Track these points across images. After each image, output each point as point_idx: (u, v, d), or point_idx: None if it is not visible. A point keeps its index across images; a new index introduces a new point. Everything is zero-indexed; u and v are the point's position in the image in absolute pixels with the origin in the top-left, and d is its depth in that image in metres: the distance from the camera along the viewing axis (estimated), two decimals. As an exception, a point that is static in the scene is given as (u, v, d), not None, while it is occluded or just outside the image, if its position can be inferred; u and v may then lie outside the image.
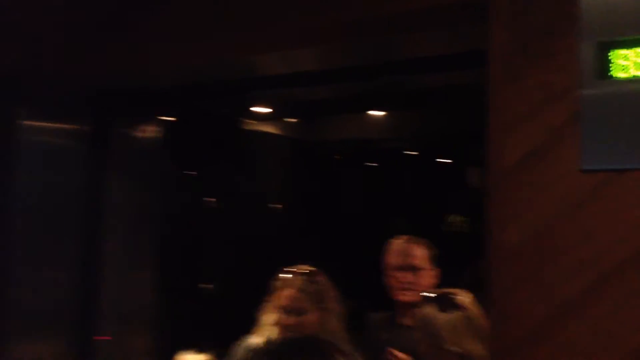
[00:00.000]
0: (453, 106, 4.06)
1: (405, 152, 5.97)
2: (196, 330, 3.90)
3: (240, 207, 4.65)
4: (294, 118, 5.07)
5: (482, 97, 1.76)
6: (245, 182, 4.73)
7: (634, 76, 1.56)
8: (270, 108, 4.48)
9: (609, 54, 1.57)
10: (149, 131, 3.30)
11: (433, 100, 3.85)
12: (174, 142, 3.64)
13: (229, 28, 2.32)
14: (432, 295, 1.96)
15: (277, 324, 2.24)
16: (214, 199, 4.49)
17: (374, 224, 5.74)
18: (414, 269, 2.58)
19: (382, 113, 4.85)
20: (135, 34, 2.50)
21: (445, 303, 1.90)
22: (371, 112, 4.80)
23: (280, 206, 5.05)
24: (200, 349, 2.24)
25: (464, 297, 1.91)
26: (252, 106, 4.42)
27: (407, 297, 2.55)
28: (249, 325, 2.44)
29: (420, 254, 2.62)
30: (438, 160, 6.06)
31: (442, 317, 1.86)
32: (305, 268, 2.30)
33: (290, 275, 2.27)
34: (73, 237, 2.93)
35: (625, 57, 1.58)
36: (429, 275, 2.60)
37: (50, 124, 2.88)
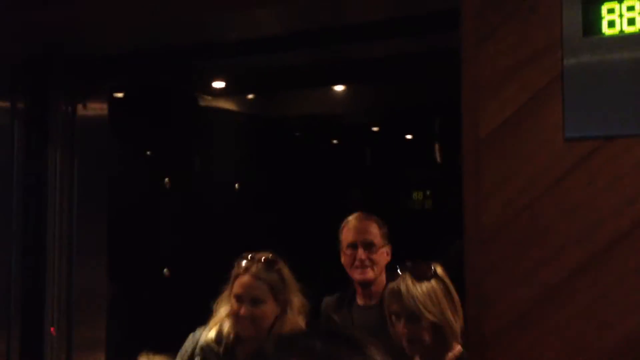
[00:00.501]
0: (417, 76, 3.90)
1: (368, 127, 5.82)
2: (150, 319, 3.71)
3: (195, 188, 4.44)
4: (252, 93, 4.87)
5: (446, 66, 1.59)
6: (200, 161, 4.52)
7: (623, 32, 1.41)
8: (226, 82, 4.26)
9: (598, 7, 1.41)
10: (94, 108, 3.05)
11: (396, 70, 3.67)
12: (123, 120, 3.41)
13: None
14: (407, 265, 1.86)
15: (229, 314, 2.04)
16: (167, 179, 4.27)
17: (334, 202, 5.60)
18: (370, 245, 2.52)
19: (341, 87, 4.67)
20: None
21: (419, 273, 1.81)
22: (332, 86, 4.61)
23: (237, 185, 4.86)
24: (155, 347, 2.02)
25: (436, 267, 1.82)
26: (207, 80, 4.19)
27: (364, 275, 2.49)
28: (204, 314, 2.24)
29: (375, 230, 2.56)
30: (401, 135, 5.93)
31: (418, 287, 1.77)
32: (264, 255, 2.08)
33: (246, 262, 2.06)
34: (13, 223, 2.69)
35: (612, 11, 1.43)
36: (384, 252, 2.54)
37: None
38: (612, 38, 1.43)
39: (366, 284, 2.49)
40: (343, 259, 2.58)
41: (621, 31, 1.42)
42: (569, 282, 1.41)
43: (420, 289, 1.79)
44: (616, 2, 1.43)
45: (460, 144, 1.57)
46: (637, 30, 1.41)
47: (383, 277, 2.44)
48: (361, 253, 2.50)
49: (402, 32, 2.12)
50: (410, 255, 2.46)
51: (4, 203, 2.70)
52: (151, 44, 2.71)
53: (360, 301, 2.53)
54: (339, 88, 4.69)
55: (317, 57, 3.11)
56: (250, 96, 4.94)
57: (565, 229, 1.42)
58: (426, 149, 5.71)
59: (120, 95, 3.75)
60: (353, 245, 2.53)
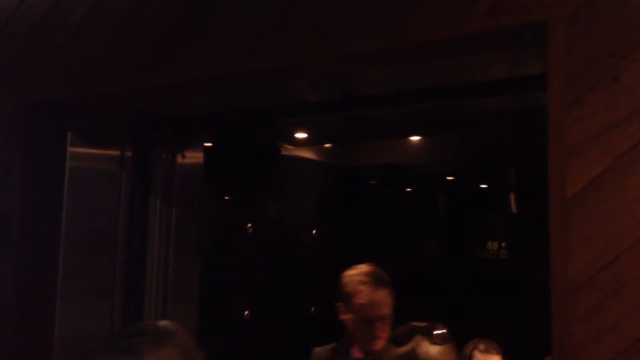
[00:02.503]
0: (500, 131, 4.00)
1: (444, 176, 5.90)
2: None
3: (275, 233, 4.61)
4: (330, 143, 5.04)
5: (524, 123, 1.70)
6: (281, 208, 4.70)
7: None
8: (307, 133, 4.45)
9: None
10: (190, 157, 3.30)
11: (476, 125, 3.79)
12: (214, 168, 3.63)
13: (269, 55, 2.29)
14: (421, 327, 1.87)
15: None
16: (250, 225, 4.46)
17: (410, 250, 5.67)
18: (388, 318, 2.33)
19: (418, 138, 4.79)
20: (178, 62, 2.48)
21: (438, 338, 1.82)
22: (410, 137, 4.75)
23: (315, 232, 5.00)
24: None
25: (446, 329, 1.83)
26: (290, 131, 4.40)
27: (376, 346, 2.29)
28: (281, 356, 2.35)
29: (390, 301, 2.35)
30: (477, 185, 5.98)
31: (434, 350, 1.79)
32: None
33: None
34: (116, 265, 2.93)
35: (695, 82, 1.52)
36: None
37: (95, 150, 2.90)
38: (695, 106, 1.51)
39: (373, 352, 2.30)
40: (354, 328, 2.38)
41: None
42: (655, 337, 1.47)
43: (436, 351, 1.79)
44: (698, 72, 1.52)
45: (545, 200, 1.66)
46: None
47: None
48: (379, 327, 2.29)
49: (491, 92, 2.26)
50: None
51: (110, 243, 2.95)
52: (241, 104, 2.95)
53: (357, 354, 2.40)
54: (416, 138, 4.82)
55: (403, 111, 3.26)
56: (328, 145, 5.12)
57: (650, 286, 1.49)
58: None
59: (212, 145, 4.01)
60: (370, 319, 2.32)
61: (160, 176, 3.12)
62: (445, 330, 1.83)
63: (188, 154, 3.30)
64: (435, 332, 1.84)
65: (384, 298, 2.33)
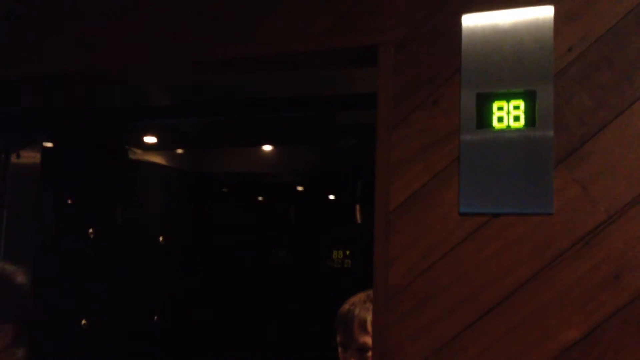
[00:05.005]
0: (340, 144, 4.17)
1: (293, 186, 6.04)
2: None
3: (120, 239, 4.49)
4: (181, 148, 5.00)
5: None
6: (127, 212, 4.58)
7: (509, 126, 1.68)
8: (156, 137, 4.39)
9: (489, 105, 1.69)
10: (26, 157, 3.13)
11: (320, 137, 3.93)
12: (53, 169, 3.47)
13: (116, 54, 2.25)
14: None
15: None
16: (90, 230, 4.30)
17: (258, 257, 5.73)
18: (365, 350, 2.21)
19: (270, 147, 4.88)
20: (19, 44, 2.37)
21: None
22: (261, 147, 4.82)
23: (162, 238, 4.93)
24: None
25: None
26: (138, 135, 4.31)
27: None
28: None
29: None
30: (324, 195, 6.17)
31: None
32: None
33: None
34: None
35: (502, 109, 1.71)
36: None
37: None
38: (500, 130, 1.70)
39: None
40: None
41: (508, 126, 1.69)
42: (461, 336, 1.63)
43: None
44: (504, 101, 1.71)
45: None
46: (521, 126, 1.69)
47: None
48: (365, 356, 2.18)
49: (334, 106, 2.38)
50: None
51: None
52: (85, 103, 2.86)
53: None
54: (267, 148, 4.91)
55: (247, 119, 3.34)
56: (180, 151, 5.07)
57: (457, 290, 1.65)
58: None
59: (50, 145, 3.82)
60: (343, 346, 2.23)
61: (-9, 176, 2.93)
62: None
63: (24, 153, 3.13)
64: None
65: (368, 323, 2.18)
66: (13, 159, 3.07)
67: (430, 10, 1.79)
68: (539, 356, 1.59)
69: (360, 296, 2.29)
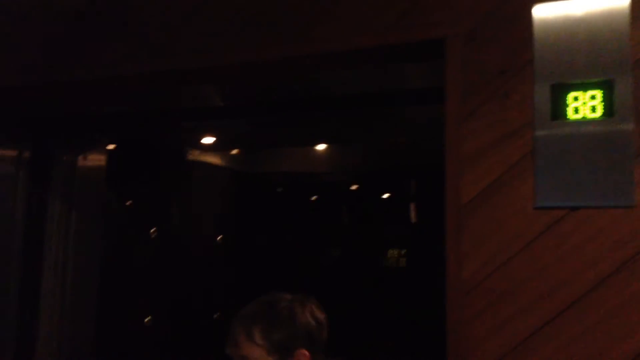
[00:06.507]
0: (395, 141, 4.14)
1: (347, 185, 6.03)
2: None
3: (179, 238, 4.57)
4: (237, 149, 5.05)
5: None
6: (186, 213, 4.65)
7: (585, 117, 1.64)
8: (214, 138, 4.44)
9: (564, 96, 1.64)
10: (92, 159, 3.21)
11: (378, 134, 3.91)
12: (116, 171, 3.56)
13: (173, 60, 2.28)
14: None
15: None
16: (153, 230, 4.39)
17: (313, 257, 5.74)
18: None
19: (324, 146, 4.88)
20: (83, 60, 2.43)
21: None
22: (316, 146, 4.83)
23: (220, 238, 4.99)
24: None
25: None
26: (196, 136, 4.38)
27: None
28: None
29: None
30: (379, 194, 6.14)
31: None
32: None
33: None
34: (9, 270, 2.80)
35: (577, 99, 1.66)
36: None
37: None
38: (575, 122, 1.65)
39: None
40: None
41: (584, 117, 1.65)
42: (540, 332, 1.59)
43: None
44: (581, 91, 1.67)
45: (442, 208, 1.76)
46: (598, 116, 1.64)
47: None
48: None
49: (393, 102, 2.36)
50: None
51: (4, 246, 2.81)
52: (144, 105, 2.91)
53: None
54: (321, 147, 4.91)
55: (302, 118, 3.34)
56: (235, 151, 5.12)
57: (535, 286, 1.61)
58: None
59: (115, 147, 3.91)
60: None
61: (60, 178, 3.02)
62: None
63: (90, 156, 3.21)
64: None
65: None
66: (80, 161, 3.15)
67: (499, 1, 1.76)
68: (620, 354, 1.54)
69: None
